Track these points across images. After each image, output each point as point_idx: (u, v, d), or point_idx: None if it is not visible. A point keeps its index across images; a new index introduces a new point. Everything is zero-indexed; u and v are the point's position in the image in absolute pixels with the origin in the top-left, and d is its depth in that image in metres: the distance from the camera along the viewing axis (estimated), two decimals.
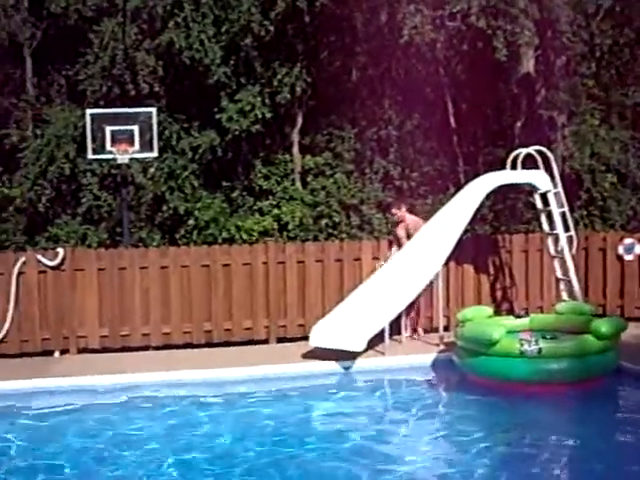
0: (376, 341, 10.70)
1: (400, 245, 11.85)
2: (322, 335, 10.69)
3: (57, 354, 11.53)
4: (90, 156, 13.62)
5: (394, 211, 12.21)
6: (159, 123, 14.36)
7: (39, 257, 11.41)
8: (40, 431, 8.48)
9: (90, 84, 16.42)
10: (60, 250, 11.53)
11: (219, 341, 11.81)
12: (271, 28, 15.62)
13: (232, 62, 16.19)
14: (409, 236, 11.74)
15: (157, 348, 11.64)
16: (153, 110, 13.79)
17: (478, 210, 11.85)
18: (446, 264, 11.64)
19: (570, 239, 11.73)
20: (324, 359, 10.55)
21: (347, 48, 16.77)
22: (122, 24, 16.40)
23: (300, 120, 16.80)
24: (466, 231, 11.63)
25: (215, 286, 11.77)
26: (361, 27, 16.44)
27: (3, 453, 7.76)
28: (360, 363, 10.50)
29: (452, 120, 16.78)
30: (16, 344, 11.46)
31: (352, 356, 10.43)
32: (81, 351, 11.58)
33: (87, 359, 11.20)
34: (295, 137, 16.79)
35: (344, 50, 16.83)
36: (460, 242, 11.29)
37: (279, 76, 16.00)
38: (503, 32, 13.80)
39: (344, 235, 15.32)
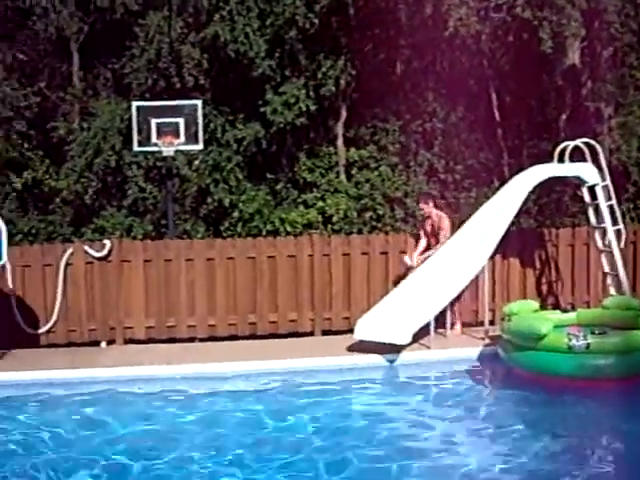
0: (421, 334, 10.68)
1: (428, 242, 11.83)
2: (367, 328, 10.69)
3: (104, 344, 11.66)
4: (136, 148, 13.72)
5: (422, 205, 12.13)
6: (204, 115, 14.41)
7: (86, 248, 11.54)
8: (88, 418, 8.61)
9: (136, 77, 16.53)
10: (107, 242, 11.65)
11: (264, 333, 11.85)
12: (316, 21, 15.62)
13: (277, 55, 16.20)
14: (435, 234, 11.69)
15: (202, 340, 11.72)
16: (198, 102, 13.83)
17: (523, 204, 11.76)
18: (492, 258, 11.57)
19: (618, 233, 11.60)
20: (369, 352, 10.55)
21: (391, 41, 16.68)
22: (168, 17, 16.49)
23: (344, 113, 16.77)
24: (511, 224, 11.54)
25: (260, 278, 11.81)
26: (405, 19, 16.35)
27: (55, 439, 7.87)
28: (405, 356, 10.48)
29: (496, 113, 16.64)
30: (63, 334, 11.62)
31: (397, 349, 10.42)
32: (127, 342, 11.69)
33: (133, 350, 11.32)
34: (339, 130, 16.77)
35: (388, 43, 16.74)
36: (506, 236, 11.21)
37: (323, 69, 15.99)
38: (549, 23, 13.66)
39: (388, 228, 15.29)
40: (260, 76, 16.01)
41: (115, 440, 7.85)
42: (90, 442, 7.82)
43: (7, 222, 10.85)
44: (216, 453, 7.43)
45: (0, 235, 10.08)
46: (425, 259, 11.49)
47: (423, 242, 11.91)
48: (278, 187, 16.48)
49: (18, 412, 8.85)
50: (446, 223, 11.70)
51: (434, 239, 11.79)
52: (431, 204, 12.02)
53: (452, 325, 11.81)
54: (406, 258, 11.79)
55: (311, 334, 11.96)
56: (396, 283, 11.59)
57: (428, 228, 11.89)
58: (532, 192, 12.46)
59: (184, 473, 6.98)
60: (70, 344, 11.60)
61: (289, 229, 15.08)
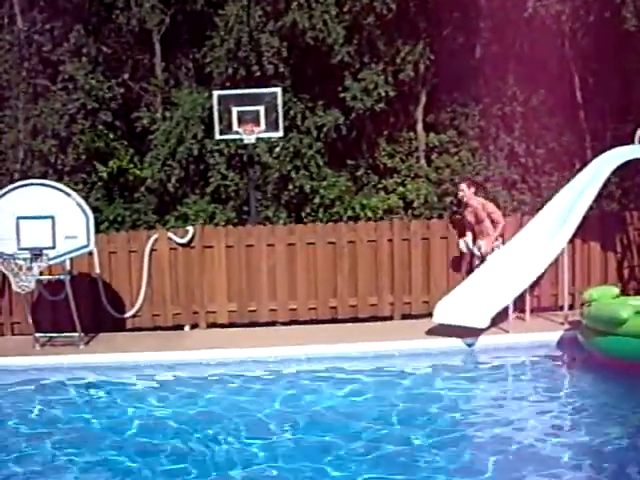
0: (500, 318, 10.66)
1: (473, 231, 11.78)
2: (446, 312, 10.72)
3: (187, 328, 11.92)
4: (217, 137, 13.95)
5: (461, 187, 12.03)
6: (284, 103, 14.56)
7: (170, 235, 11.81)
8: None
9: (216, 66, 16.75)
10: (190, 228, 11.91)
11: (344, 317, 11.96)
12: (393, 6, 15.59)
13: (355, 41, 16.23)
14: (478, 222, 11.61)
15: (283, 324, 11.88)
16: (278, 90, 13.96)
17: (605, 187, 11.59)
18: (572, 241, 11.45)
19: None
20: (448, 336, 10.58)
21: (470, 24, 16.54)
22: (246, 7, 16.66)
23: (424, 98, 16.74)
24: (591, 208, 11.38)
25: (340, 263, 11.92)
26: (484, 1, 16.21)
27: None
28: (484, 340, 10.48)
29: (578, 95, 16.39)
30: (148, 318, 11.93)
31: (476, 333, 10.42)
32: (210, 326, 11.93)
33: (217, 333, 11.55)
34: (419, 115, 16.75)
35: (467, 26, 16.61)
36: (586, 219, 11.08)
37: (402, 54, 15.98)
38: (633, 0, 13.38)
39: None
40: (339, 63, 16.07)
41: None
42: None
43: (94, 210, 11.17)
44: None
45: (88, 223, 10.37)
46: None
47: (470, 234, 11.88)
48: (358, 173, 16.56)
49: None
50: (491, 207, 11.81)
51: (473, 230, 11.74)
52: (472, 189, 11.94)
53: (521, 311, 11.65)
54: (462, 243, 11.77)
55: (390, 318, 12.02)
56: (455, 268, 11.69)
57: (469, 217, 11.81)
58: (615, 175, 12.28)
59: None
60: (155, 328, 11.90)
61: (370, 215, 15.13)
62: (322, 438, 7.42)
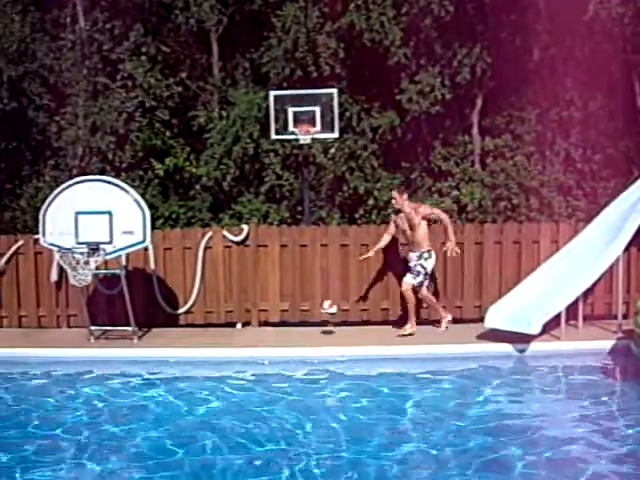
0: (552, 325, 10.56)
1: (405, 236, 11.27)
2: (498, 317, 10.65)
3: (239, 326, 12.00)
4: (273, 136, 14.03)
5: (394, 194, 11.30)
6: (340, 104, 14.60)
7: (225, 233, 11.90)
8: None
9: (273, 67, 16.88)
10: (245, 227, 11.99)
11: (395, 319, 11.94)
12: (451, 8, 15.57)
13: (412, 43, 16.22)
14: (411, 227, 11.10)
15: (335, 324, 11.88)
16: (334, 91, 14.00)
17: None
18: (627, 250, 11.28)
19: None
20: (499, 341, 10.51)
21: (528, 26, 16.39)
22: (304, 8, 16.75)
23: (480, 101, 16.66)
24: None
25: (393, 265, 11.87)
26: (543, 4, 16.07)
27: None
28: (535, 346, 10.39)
29: (638, 100, 16.17)
30: (201, 315, 12.04)
31: (527, 339, 10.34)
32: (262, 324, 12.00)
33: (268, 332, 11.62)
34: (475, 118, 16.68)
35: (525, 28, 16.46)
36: None
37: (459, 57, 15.94)
38: None
39: (522, 218, 15.11)
40: (395, 64, 16.08)
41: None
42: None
43: (150, 206, 11.30)
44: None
45: (144, 219, 10.50)
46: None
47: (386, 239, 11.42)
48: (413, 175, 16.54)
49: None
50: (428, 209, 11.33)
51: (404, 235, 11.29)
52: (405, 196, 11.25)
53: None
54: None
55: (441, 322, 11.96)
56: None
57: (400, 222, 11.29)
58: None
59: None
60: (207, 325, 12.00)
61: None
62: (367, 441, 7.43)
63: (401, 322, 11.56)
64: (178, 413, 8.39)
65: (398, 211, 11.34)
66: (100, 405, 8.68)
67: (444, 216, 11.26)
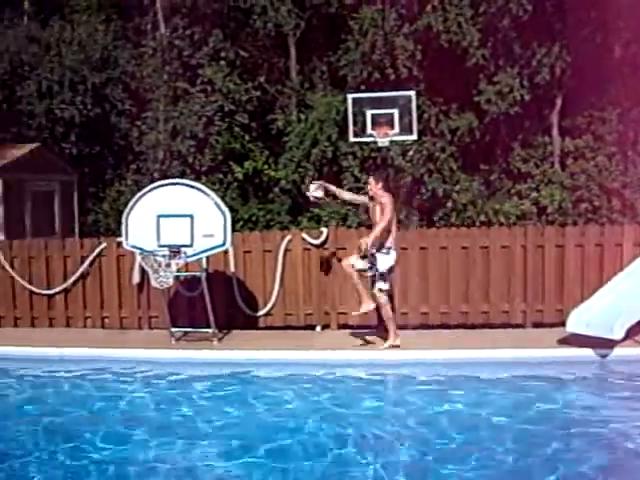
0: (636, 330, 10.32)
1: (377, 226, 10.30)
2: (579, 321, 10.45)
3: (318, 329, 11.99)
4: (351, 139, 14.02)
5: (371, 179, 10.64)
6: (418, 106, 14.53)
7: (304, 236, 11.92)
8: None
9: (351, 69, 16.93)
10: (324, 229, 12.00)
11: (475, 323, 11.81)
12: (529, 7, 15.40)
13: (490, 44, 16.09)
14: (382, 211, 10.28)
15: (414, 327, 11.80)
16: (412, 93, 13.93)
17: None
18: None
19: None
20: (580, 346, 10.31)
21: (609, 24, 16.12)
22: (381, 10, 16.75)
23: (559, 101, 16.45)
24: None
25: (473, 268, 11.76)
26: (625, 0, 15.75)
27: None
28: (618, 352, 10.15)
29: None
30: (281, 317, 12.06)
31: (610, 344, 10.12)
32: (341, 327, 11.97)
33: (347, 335, 11.58)
34: (554, 119, 16.48)
35: (606, 26, 16.21)
36: None
37: (538, 56, 15.78)
38: None
39: (604, 220, 14.84)
40: (473, 65, 15.99)
41: None
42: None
43: (230, 210, 11.38)
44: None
45: (225, 222, 10.59)
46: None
47: (361, 199, 11.05)
48: (492, 177, 16.41)
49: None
50: (387, 202, 10.30)
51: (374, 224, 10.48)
52: (380, 185, 10.50)
53: None
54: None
55: (522, 326, 11.80)
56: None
57: (375, 216, 10.56)
58: None
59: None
60: (286, 327, 12.02)
61: (502, 220, 14.95)
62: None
63: (481, 326, 11.46)
64: (258, 413, 8.41)
65: (371, 198, 10.69)
66: (186, 406, 8.75)
67: (388, 214, 10.29)
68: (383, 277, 10.34)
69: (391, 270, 10.50)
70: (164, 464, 6.95)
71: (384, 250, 10.32)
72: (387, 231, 10.28)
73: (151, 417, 8.45)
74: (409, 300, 11.78)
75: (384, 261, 10.34)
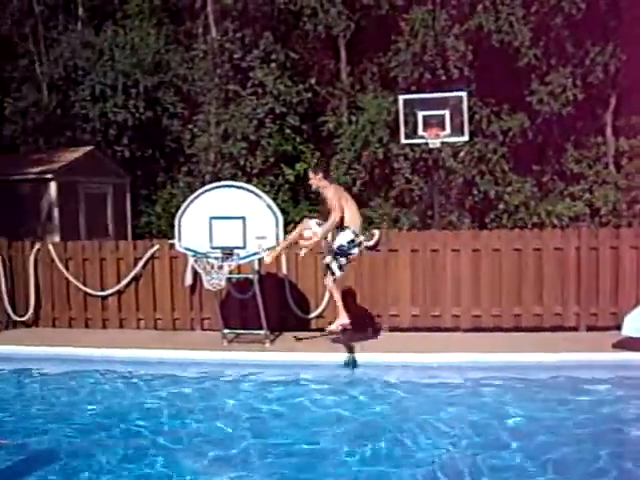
0: None
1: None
2: (635, 324, 10.30)
3: (369, 331, 11.94)
4: (403, 141, 13.97)
5: (310, 174, 10.17)
6: (469, 107, 14.46)
7: None
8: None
9: (401, 71, 16.90)
10: (376, 231, 11.95)
11: (528, 326, 11.68)
12: (582, 5, 15.22)
13: (542, 43, 15.94)
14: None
15: (466, 330, 11.71)
16: (463, 94, 13.85)
17: None
18: None
19: None
20: (636, 350, 10.15)
21: None
22: (432, 11, 16.68)
23: (613, 101, 16.24)
24: None
25: (526, 270, 11.64)
26: None
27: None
28: None
29: None
30: (332, 319, 11.95)
31: None
32: (392, 329, 11.91)
33: (399, 337, 11.54)
34: (608, 118, 16.28)
35: None
36: None
37: (591, 55, 15.61)
38: None
39: None
40: (525, 65, 15.87)
41: None
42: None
43: (281, 212, 11.39)
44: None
45: (277, 224, 10.61)
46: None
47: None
48: (544, 179, 16.26)
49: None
50: (329, 195, 9.82)
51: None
52: (320, 176, 10.04)
53: None
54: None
55: (575, 329, 11.64)
56: None
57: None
58: None
59: None
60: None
61: (555, 222, 14.80)
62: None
63: (534, 329, 11.33)
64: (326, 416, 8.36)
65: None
66: (240, 408, 8.76)
67: (331, 219, 9.82)
68: (336, 256, 9.92)
69: (347, 253, 9.96)
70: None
71: (339, 230, 9.85)
72: (341, 218, 9.76)
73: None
74: (461, 302, 11.68)
75: (339, 238, 9.88)
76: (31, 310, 12.47)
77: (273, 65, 18.37)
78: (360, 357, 10.27)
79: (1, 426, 8.00)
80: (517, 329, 11.56)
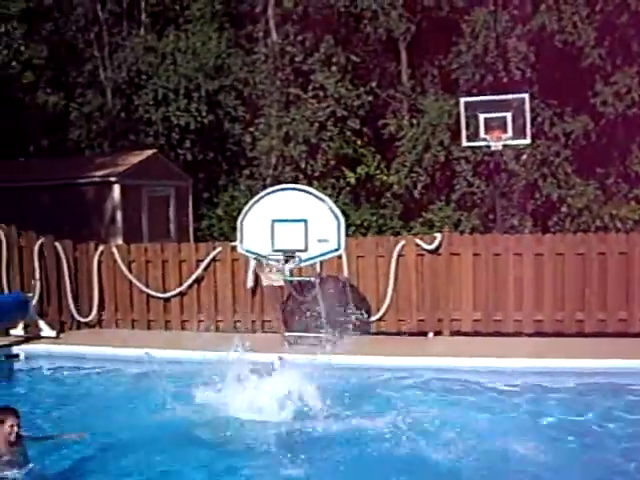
0: None
1: None
2: None
3: (430, 335, 11.86)
4: (464, 143, 13.88)
5: None
6: (531, 109, 14.29)
7: (418, 241, 11.81)
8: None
9: (463, 73, 16.81)
10: (437, 235, 11.85)
11: (591, 331, 11.47)
12: None
13: (606, 43, 15.69)
14: None
15: (529, 335, 11.55)
16: (526, 96, 13.71)
17: None
18: None
19: None
20: None
21: None
22: (493, 12, 16.55)
23: None
24: None
25: (589, 275, 11.44)
26: None
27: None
28: None
29: None
30: (393, 323, 11.95)
31: None
32: (454, 334, 11.79)
33: (460, 342, 11.42)
34: None
35: None
36: None
37: None
38: None
39: None
40: (589, 66, 15.62)
41: None
42: None
43: (342, 214, 11.37)
44: None
45: (339, 227, 10.59)
46: None
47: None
48: (608, 181, 15.99)
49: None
50: None
51: None
52: None
53: None
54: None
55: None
56: None
57: None
58: None
59: None
60: (398, 333, 11.91)
61: (619, 225, 14.54)
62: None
63: (598, 334, 11.13)
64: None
65: None
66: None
67: None
68: None
69: None
70: None
71: None
72: None
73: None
74: (524, 307, 11.53)
75: None
76: (95, 311, 12.63)
77: (334, 68, 18.39)
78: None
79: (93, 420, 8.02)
80: (580, 335, 11.37)
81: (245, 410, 7.88)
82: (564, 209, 15.28)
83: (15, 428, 6.02)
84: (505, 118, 13.31)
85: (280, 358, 9.82)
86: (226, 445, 7.37)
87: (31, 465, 6.17)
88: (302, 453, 6.97)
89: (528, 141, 13.80)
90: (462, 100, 14.11)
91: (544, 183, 15.63)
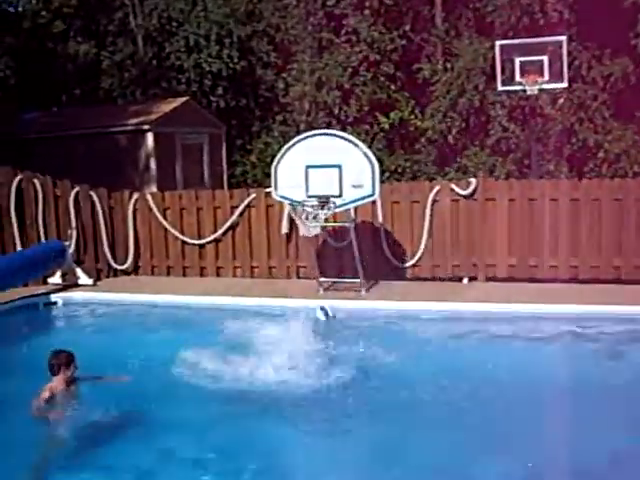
0: None
1: None
2: None
3: (465, 281, 11.83)
4: (499, 88, 13.71)
5: None
6: (569, 52, 14.04)
7: (453, 186, 11.73)
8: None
9: (498, 15, 16.53)
10: (473, 180, 11.74)
11: (627, 278, 11.36)
12: None
13: None
14: None
15: (563, 281, 11.47)
16: (563, 38, 13.48)
17: None
18: None
19: None
20: None
21: None
22: None
23: None
24: None
25: (627, 221, 11.30)
26: None
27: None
28: None
29: None
30: (428, 269, 11.96)
31: None
32: (489, 279, 11.77)
33: (494, 287, 11.38)
34: None
35: None
36: None
37: None
38: None
39: None
40: (630, 5, 15.24)
41: None
42: None
43: (376, 160, 11.31)
44: None
45: (373, 172, 10.53)
46: None
47: None
48: None
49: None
50: None
51: None
52: None
53: None
54: None
55: None
56: None
57: None
58: None
59: None
60: (433, 278, 11.92)
61: None
62: None
63: (635, 281, 11.00)
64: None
65: None
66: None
67: None
68: None
69: None
70: None
71: None
72: None
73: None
74: (559, 253, 11.43)
75: None
76: (130, 259, 12.74)
77: (367, 12, 18.14)
78: None
79: None
80: (617, 281, 11.26)
81: None
82: (601, 154, 15.05)
83: (75, 370, 6.50)
84: (541, 61, 13.13)
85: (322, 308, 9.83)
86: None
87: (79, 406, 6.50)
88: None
89: (565, 85, 13.58)
90: (497, 43, 13.92)
91: (580, 128, 15.39)
